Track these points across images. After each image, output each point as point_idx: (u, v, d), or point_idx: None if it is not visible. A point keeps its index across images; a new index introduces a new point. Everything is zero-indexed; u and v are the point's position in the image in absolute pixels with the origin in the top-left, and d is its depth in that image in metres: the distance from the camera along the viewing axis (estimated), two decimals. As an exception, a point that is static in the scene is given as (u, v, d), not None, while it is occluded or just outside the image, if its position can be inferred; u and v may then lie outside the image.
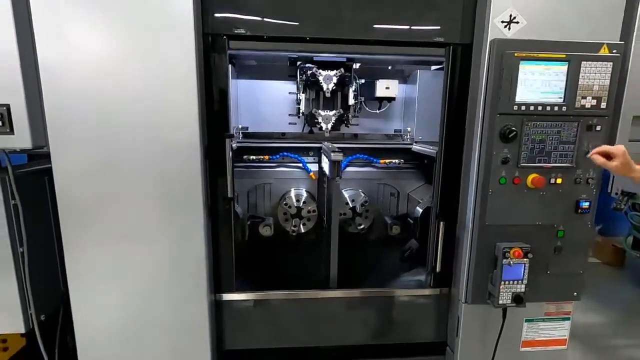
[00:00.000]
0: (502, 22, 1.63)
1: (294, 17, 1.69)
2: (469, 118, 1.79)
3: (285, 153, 2.61)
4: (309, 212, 2.58)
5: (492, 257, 1.77)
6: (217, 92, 1.73)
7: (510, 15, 1.62)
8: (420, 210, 2.35)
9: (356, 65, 2.48)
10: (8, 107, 1.48)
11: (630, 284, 3.93)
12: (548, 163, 1.71)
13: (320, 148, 2.53)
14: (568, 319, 1.97)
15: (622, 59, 1.66)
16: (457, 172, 1.88)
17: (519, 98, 1.64)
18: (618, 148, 1.47)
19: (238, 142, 2.51)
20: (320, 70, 2.41)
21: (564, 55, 1.62)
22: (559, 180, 1.72)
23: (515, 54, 1.60)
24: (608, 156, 1.48)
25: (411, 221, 2.53)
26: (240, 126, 2.62)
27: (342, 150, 2.05)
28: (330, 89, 2.44)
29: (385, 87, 2.54)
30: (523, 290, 1.74)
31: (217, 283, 1.89)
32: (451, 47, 1.77)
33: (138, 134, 1.59)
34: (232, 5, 1.66)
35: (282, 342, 2.02)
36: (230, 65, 1.94)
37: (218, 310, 1.91)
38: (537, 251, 1.74)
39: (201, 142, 1.64)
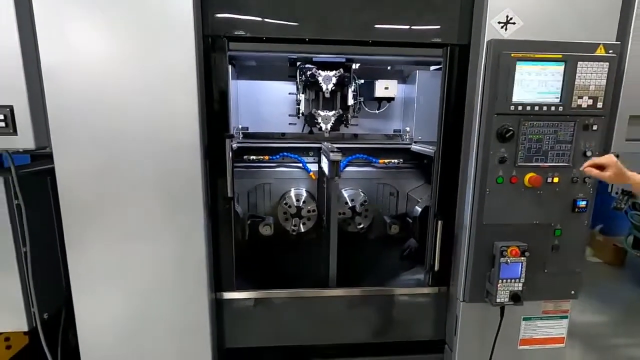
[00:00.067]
0: (499, 22, 1.64)
1: (293, 19, 1.71)
2: (467, 118, 1.81)
3: (285, 153, 2.62)
4: (308, 211, 2.60)
5: (490, 256, 1.78)
6: (217, 92, 1.74)
7: (507, 16, 1.64)
8: (419, 210, 2.37)
9: (355, 66, 2.50)
10: (11, 108, 1.50)
11: (630, 283, 3.93)
12: (545, 162, 1.72)
13: (320, 148, 2.54)
14: (566, 317, 1.98)
15: (619, 59, 1.67)
16: (455, 171, 1.89)
17: (515, 98, 1.65)
18: (608, 158, 1.50)
19: (238, 142, 2.53)
20: (320, 71, 2.43)
21: (561, 56, 1.63)
22: (556, 180, 1.73)
23: (512, 55, 1.61)
24: (601, 167, 1.50)
25: (410, 220, 2.54)
26: (240, 126, 2.64)
27: (341, 150, 2.07)
28: (330, 90, 2.46)
29: (384, 87, 2.56)
30: (520, 288, 1.75)
31: (218, 282, 1.90)
32: (449, 47, 1.78)
33: (138, 135, 1.61)
34: (232, 7, 1.67)
35: (282, 340, 2.03)
36: (230, 66, 1.96)
37: (219, 308, 1.93)
38: (534, 250, 1.75)
39: (201, 142, 1.66)
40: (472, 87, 1.76)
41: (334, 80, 2.44)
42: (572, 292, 1.88)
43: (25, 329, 1.75)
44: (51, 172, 1.65)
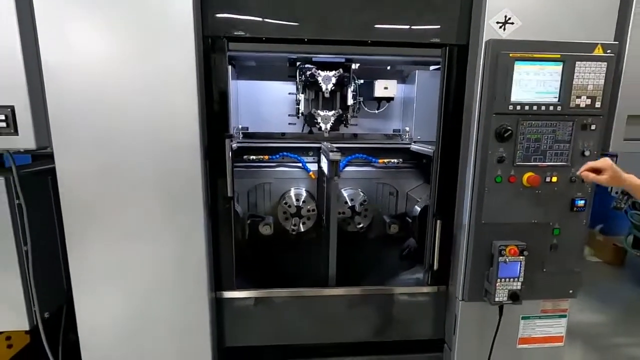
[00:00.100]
0: (497, 22, 1.65)
1: (293, 19, 1.71)
2: (465, 118, 1.81)
3: (285, 153, 2.63)
4: (308, 211, 2.60)
5: (489, 255, 1.79)
6: (216, 93, 1.75)
7: (505, 16, 1.64)
8: (419, 209, 2.37)
9: (355, 66, 2.51)
10: (12, 108, 1.51)
11: (630, 282, 3.94)
12: (543, 162, 1.73)
13: (320, 148, 2.55)
14: (565, 316, 1.99)
15: (617, 59, 1.67)
16: (454, 171, 1.89)
17: (514, 98, 1.66)
18: (604, 162, 1.51)
19: (238, 142, 2.53)
20: (319, 71, 2.44)
21: (559, 56, 1.64)
22: (554, 179, 1.74)
23: (510, 55, 1.62)
24: (597, 171, 1.51)
25: (409, 220, 2.55)
26: (240, 126, 2.65)
27: (341, 150, 2.07)
28: (329, 90, 2.46)
29: (383, 87, 2.56)
30: (519, 287, 1.76)
31: (218, 281, 1.91)
32: (447, 47, 1.79)
33: (139, 135, 1.62)
34: (232, 7, 1.68)
35: (282, 339, 2.04)
36: (230, 66, 1.97)
37: (219, 307, 1.93)
38: (533, 249, 1.76)
39: (201, 142, 1.66)
40: (470, 87, 1.76)
41: (333, 80, 2.45)
42: (571, 291, 1.89)
43: (27, 327, 1.76)
44: (52, 172, 1.66)
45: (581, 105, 1.68)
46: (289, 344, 2.06)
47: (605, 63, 1.65)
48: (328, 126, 2.57)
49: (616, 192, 3.48)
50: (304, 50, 1.99)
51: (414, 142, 2.65)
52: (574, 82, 1.65)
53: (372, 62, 2.60)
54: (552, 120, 1.69)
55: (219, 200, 1.82)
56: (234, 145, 2.33)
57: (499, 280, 1.75)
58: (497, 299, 1.77)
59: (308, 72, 2.44)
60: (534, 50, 1.62)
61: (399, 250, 2.60)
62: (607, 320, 3.19)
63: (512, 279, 1.75)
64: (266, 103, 2.68)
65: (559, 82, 1.66)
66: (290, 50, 2.05)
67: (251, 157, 2.60)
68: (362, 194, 2.68)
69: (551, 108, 1.67)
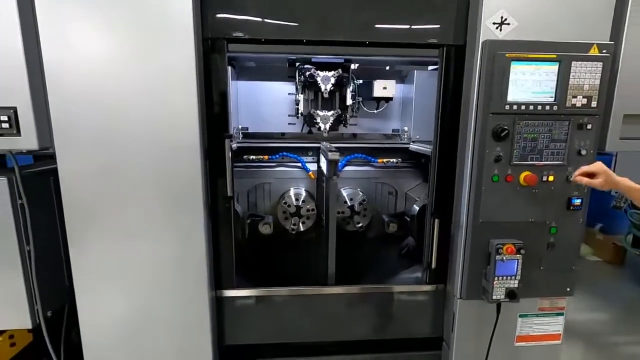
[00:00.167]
0: (494, 23, 1.66)
1: (292, 19, 1.73)
2: (463, 117, 1.83)
3: (284, 153, 2.64)
4: (308, 210, 2.62)
5: (486, 254, 1.80)
6: (216, 93, 1.77)
7: (502, 17, 1.66)
8: (417, 209, 2.38)
9: (354, 66, 2.52)
10: (15, 109, 1.53)
11: (630, 282, 3.93)
12: (540, 161, 1.74)
13: (319, 148, 2.57)
14: (562, 314, 2.00)
15: (613, 59, 1.69)
16: (451, 170, 1.91)
17: (510, 98, 1.67)
18: (597, 166, 1.53)
19: (238, 143, 2.55)
20: (319, 71, 2.45)
21: (555, 56, 1.65)
22: (551, 178, 1.75)
23: (507, 55, 1.64)
24: (591, 175, 1.53)
25: (408, 219, 2.56)
26: (240, 127, 2.67)
27: (340, 149, 2.09)
28: (329, 90, 2.48)
29: (382, 87, 2.58)
30: (516, 285, 1.77)
31: (218, 280, 1.93)
32: (445, 48, 1.81)
33: (139, 135, 1.63)
34: (231, 8, 1.70)
35: (281, 337, 2.06)
36: (229, 67, 1.99)
37: (219, 306, 1.95)
38: (530, 247, 1.77)
39: (201, 143, 1.68)
40: (467, 87, 1.78)
41: (332, 80, 2.46)
42: (568, 289, 1.90)
43: (29, 326, 1.78)
44: (54, 173, 1.68)
45: (577, 105, 1.69)
46: (288, 342, 2.07)
47: (601, 63, 1.66)
48: (327, 126, 2.58)
49: (616, 192, 3.49)
50: (303, 51, 2.01)
51: (413, 141, 2.66)
52: (570, 82, 1.67)
53: (371, 62, 2.61)
54: (549, 120, 1.70)
55: (219, 200, 1.84)
56: (234, 146, 2.34)
57: (496, 278, 1.76)
58: (494, 297, 1.78)
59: (307, 73, 2.45)
60: (530, 50, 1.64)
61: (398, 249, 2.61)
62: (607, 319, 3.19)
63: (509, 277, 1.77)
64: (266, 103, 2.69)
65: (555, 82, 1.67)
66: (289, 51, 2.07)
67: (251, 157, 2.62)
68: (361, 193, 2.69)
69: (547, 108, 1.69)
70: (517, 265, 1.76)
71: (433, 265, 1.99)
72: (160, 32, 1.57)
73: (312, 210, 2.62)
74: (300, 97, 2.55)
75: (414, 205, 2.47)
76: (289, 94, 2.67)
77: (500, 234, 1.79)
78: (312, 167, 2.69)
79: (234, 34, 1.71)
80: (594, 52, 1.66)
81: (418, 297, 2.08)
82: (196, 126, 1.65)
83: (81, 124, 1.60)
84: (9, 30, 1.49)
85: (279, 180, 2.72)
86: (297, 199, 2.62)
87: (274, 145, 2.64)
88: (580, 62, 1.65)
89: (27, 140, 1.56)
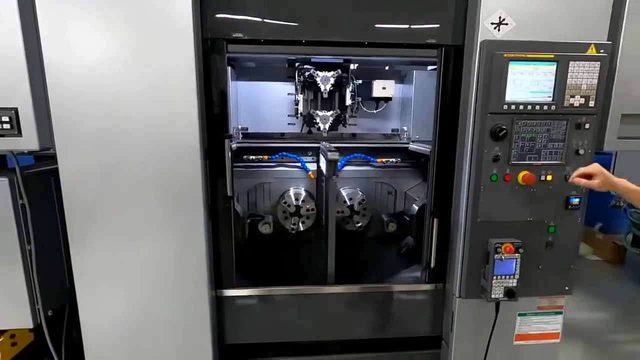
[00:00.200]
0: (492, 23, 1.67)
1: (291, 21, 1.74)
2: (461, 117, 1.84)
3: (284, 153, 2.65)
4: (307, 210, 2.63)
5: (485, 253, 1.81)
6: (216, 94, 1.78)
7: (500, 17, 1.66)
8: (417, 208, 2.39)
9: (353, 66, 2.53)
10: (16, 110, 1.54)
11: (630, 281, 3.93)
12: (538, 160, 1.75)
13: (319, 148, 2.57)
14: (561, 313, 2.01)
15: (610, 59, 1.69)
16: (450, 170, 1.92)
17: (508, 97, 1.68)
18: (595, 167, 1.55)
19: (238, 143, 2.56)
20: (318, 72, 2.45)
21: (553, 56, 1.66)
22: (549, 177, 1.76)
23: (505, 55, 1.64)
24: (589, 176, 1.54)
25: (407, 219, 2.57)
26: (240, 127, 2.68)
27: (340, 149, 2.10)
28: (328, 90, 2.48)
29: (382, 88, 2.58)
30: (515, 284, 1.78)
31: (218, 279, 1.94)
32: (443, 48, 1.81)
33: (139, 136, 1.64)
34: (231, 9, 1.70)
35: (281, 336, 2.07)
36: (229, 68, 1.99)
37: (219, 305, 1.96)
38: (528, 247, 1.78)
39: (201, 143, 1.69)
40: (466, 87, 1.79)
41: (332, 80, 2.47)
42: (567, 288, 1.91)
43: (30, 325, 1.79)
44: (54, 173, 1.69)
45: (575, 105, 1.70)
46: (288, 341, 2.08)
47: (599, 62, 1.66)
48: (327, 126, 2.59)
49: (615, 192, 3.48)
50: (302, 51, 2.02)
51: (412, 141, 2.67)
52: (567, 82, 1.67)
53: (370, 62, 2.62)
54: (547, 120, 1.71)
55: (218, 199, 1.85)
56: (234, 146, 2.35)
57: (495, 277, 1.77)
58: (493, 296, 1.79)
59: (307, 73, 2.46)
60: (528, 50, 1.65)
61: (397, 248, 2.62)
62: (607, 318, 3.19)
63: (508, 276, 1.78)
64: (265, 103, 2.70)
65: (552, 82, 1.68)
66: (288, 52, 2.08)
67: (251, 157, 2.62)
68: (360, 193, 2.70)
69: (545, 107, 1.69)
70: (516, 264, 1.76)
71: (432, 265, 2.00)
72: (160, 32, 1.58)
73: (312, 210, 2.63)
74: (300, 97, 2.56)
75: (413, 205, 2.48)
76: (288, 94, 2.68)
77: (499, 233, 1.80)
78: (312, 167, 2.70)
79: (234, 35, 1.72)
80: (591, 51, 1.67)
81: (417, 296, 2.09)
82: (196, 126, 1.66)
83: (82, 124, 1.61)
84: (9, 31, 1.50)
85: (279, 180, 2.72)
86: (296, 199, 2.63)
87: (274, 145, 2.65)
88: (578, 62, 1.66)
89: (28, 140, 1.58)
